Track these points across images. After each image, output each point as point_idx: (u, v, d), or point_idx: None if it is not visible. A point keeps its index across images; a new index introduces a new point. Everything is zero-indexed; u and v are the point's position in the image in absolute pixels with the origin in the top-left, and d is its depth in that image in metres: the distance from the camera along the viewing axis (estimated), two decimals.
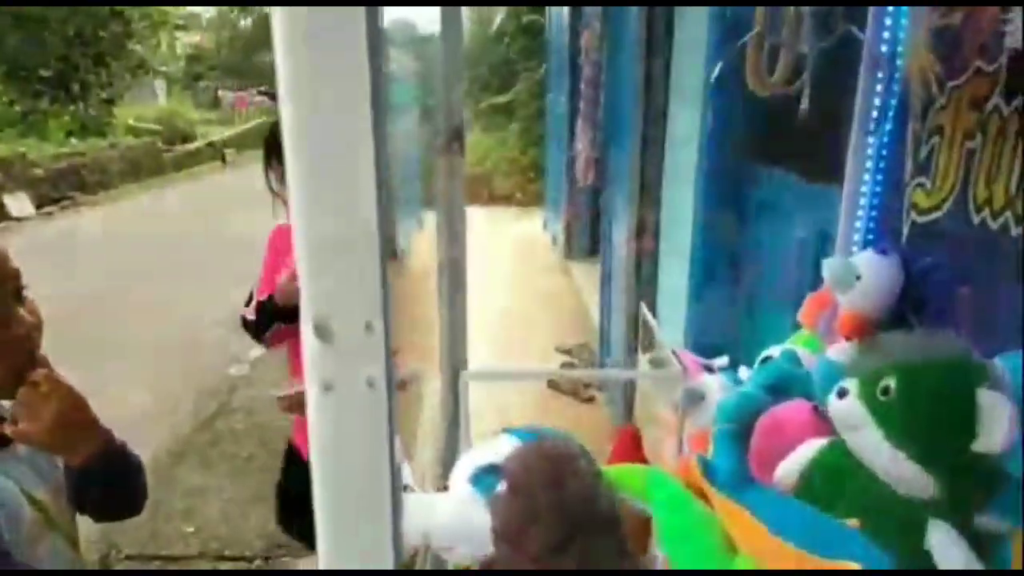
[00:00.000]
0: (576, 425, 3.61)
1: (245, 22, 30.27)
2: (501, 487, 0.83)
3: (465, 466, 0.89)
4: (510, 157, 10.44)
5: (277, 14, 0.28)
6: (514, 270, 6.79)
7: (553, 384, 4.19)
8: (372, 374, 0.33)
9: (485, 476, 0.87)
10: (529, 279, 6.51)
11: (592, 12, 4.12)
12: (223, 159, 15.85)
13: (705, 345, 2.34)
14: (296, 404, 1.54)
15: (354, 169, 0.30)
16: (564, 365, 4.54)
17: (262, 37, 29.87)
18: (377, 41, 0.29)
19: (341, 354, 0.32)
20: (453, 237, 1.45)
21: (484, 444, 0.92)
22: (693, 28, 2.40)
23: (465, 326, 1.44)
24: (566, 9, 5.86)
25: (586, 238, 6.45)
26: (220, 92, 28.15)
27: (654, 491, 0.90)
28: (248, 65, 29.68)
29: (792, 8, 1.14)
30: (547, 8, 7.42)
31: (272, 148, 1.75)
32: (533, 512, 0.80)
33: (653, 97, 2.77)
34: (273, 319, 1.69)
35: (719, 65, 1.20)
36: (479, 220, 8.18)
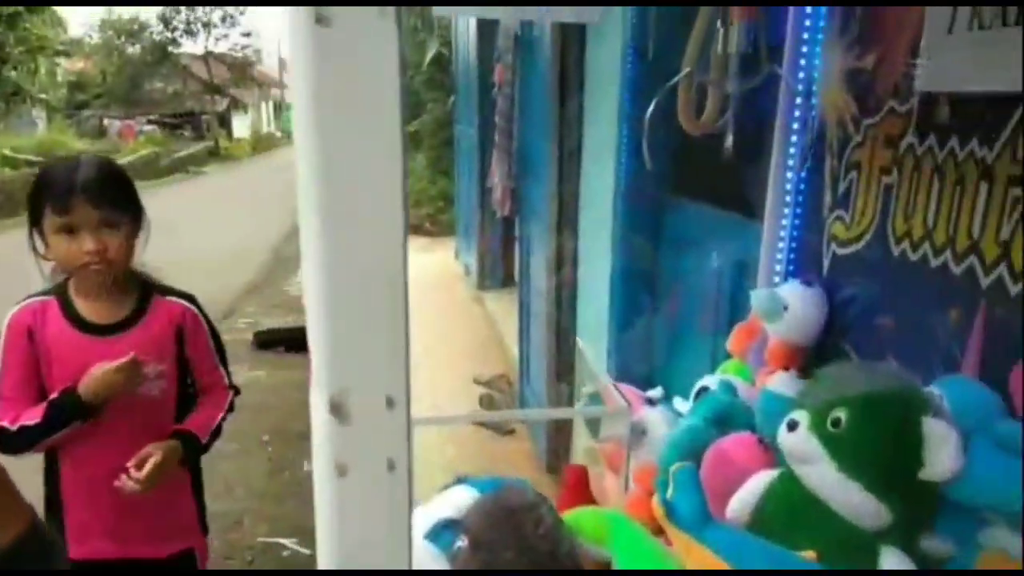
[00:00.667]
0: (499, 459, 3.57)
1: (133, 48, 29.04)
2: (461, 542, 0.79)
3: (420, 521, 0.84)
4: (419, 187, 10.40)
5: (294, 35, 0.25)
6: (427, 301, 6.71)
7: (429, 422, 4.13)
8: (392, 455, 0.29)
9: (443, 531, 0.83)
10: (443, 310, 6.45)
11: (504, 46, 4.18)
12: None
13: (628, 375, 2.37)
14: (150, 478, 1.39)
15: (381, 222, 0.27)
16: (483, 396, 4.50)
17: (151, 64, 28.72)
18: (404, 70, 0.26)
19: (359, 434, 0.29)
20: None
21: (438, 497, 0.88)
22: (607, 62, 2.46)
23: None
24: (474, 42, 5.93)
25: (500, 268, 6.46)
26: (105, 121, 26.78)
27: (615, 535, 0.88)
28: (137, 93, 28.42)
29: (721, 48, 1.18)
30: (454, 41, 7.48)
31: (38, 200, 1.42)
32: (496, 566, 0.76)
33: (568, 129, 2.82)
34: (72, 418, 1.41)
35: (654, 102, 1.22)
36: None
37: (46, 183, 1.43)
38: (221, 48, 30.39)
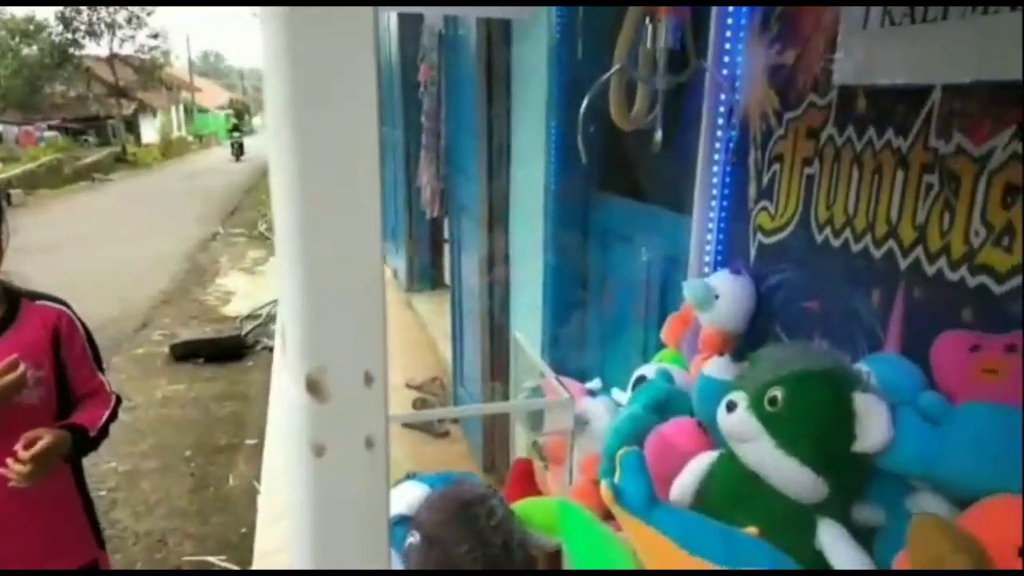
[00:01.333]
0: (434, 462, 3.54)
1: (30, 50, 27.42)
2: (412, 538, 0.78)
3: None
4: None
5: (270, 28, 0.24)
6: None
7: (406, 422, 4.09)
8: (371, 432, 0.28)
9: (394, 528, 0.81)
10: None
11: (429, 45, 4.16)
12: (8, 200, 14.10)
13: (564, 369, 2.39)
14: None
15: (356, 196, 0.26)
16: (416, 401, 4.46)
17: (50, 67, 27.17)
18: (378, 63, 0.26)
19: (337, 412, 0.28)
20: None
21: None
22: (534, 60, 2.48)
23: None
24: (396, 42, 5.87)
25: (430, 270, 6.41)
26: (2, 127, 25.19)
27: (565, 523, 0.88)
28: (36, 97, 26.86)
29: (650, 44, 1.21)
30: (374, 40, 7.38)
31: None
32: (450, 560, 0.75)
33: (496, 127, 2.82)
34: None
35: (587, 98, 1.23)
36: None
37: None
38: (127, 50, 29.04)
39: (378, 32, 0.26)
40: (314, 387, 0.27)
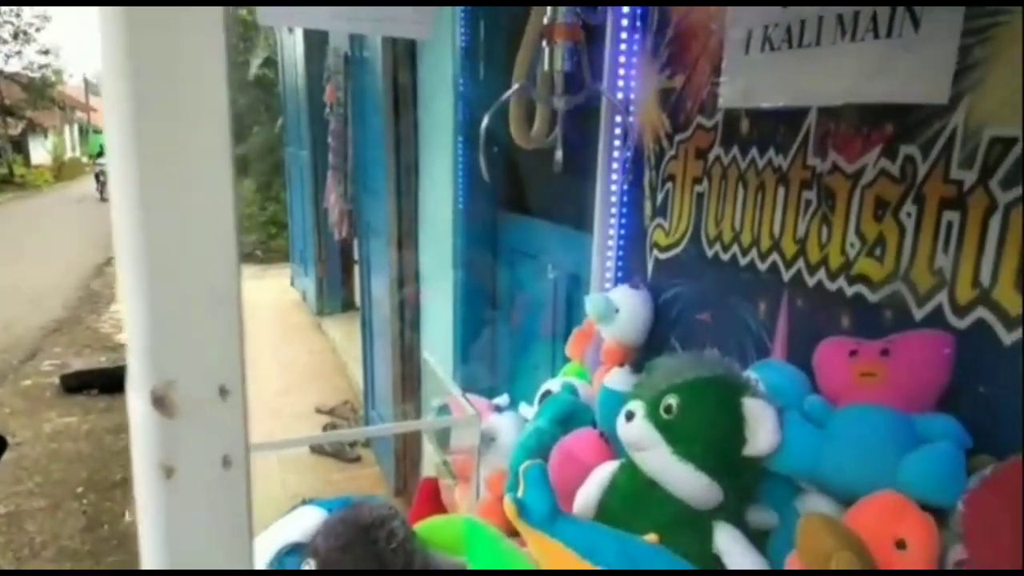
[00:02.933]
0: (346, 488, 3.45)
1: None
2: (307, 565, 0.75)
3: (262, 551, 0.79)
4: (248, 213, 9.91)
5: (109, 31, 0.23)
6: (263, 330, 6.38)
7: (316, 448, 3.97)
8: (228, 451, 0.27)
9: (287, 557, 0.78)
10: (280, 338, 6.16)
11: (334, 66, 4.11)
12: None
13: (475, 387, 2.39)
14: None
15: (205, 193, 0.25)
16: (326, 426, 4.34)
17: None
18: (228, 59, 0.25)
19: (187, 428, 0.26)
20: None
21: (282, 521, 0.83)
22: (439, 80, 2.49)
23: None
24: (301, 63, 5.77)
25: (339, 293, 6.29)
26: None
27: (469, 541, 0.87)
28: None
29: (547, 66, 1.23)
30: (280, 62, 7.24)
31: None
32: None
33: (404, 147, 2.81)
34: None
35: (487, 117, 1.24)
36: None
37: None
38: (14, 66, 27.23)
39: (230, 34, 0.25)
40: (160, 402, 0.26)
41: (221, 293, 0.26)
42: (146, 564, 0.28)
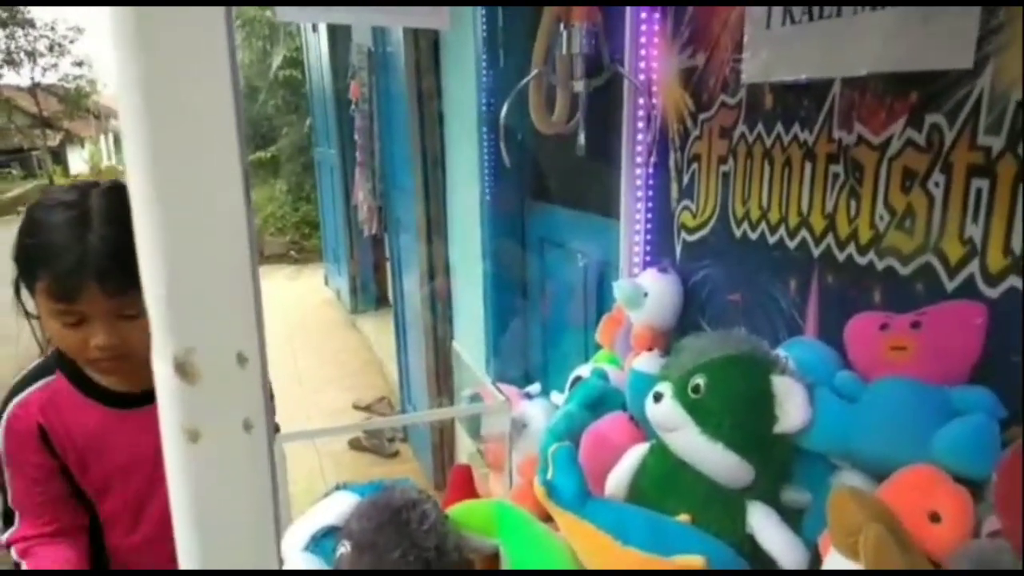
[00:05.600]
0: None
1: None
2: (343, 548, 0.77)
3: (299, 534, 0.81)
4: (280, 214, 10.06)
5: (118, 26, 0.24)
6: (299, 330, 6.49)
7: (355, 443, 4.03)
8: (248, 415, 0.28)
9: (323, 540, 0.80)
10: (316, 338, 6.25)
11: (358, 62, 4.15)
12: None
13: (508, 377, 2.40)
14: None
15: (218, 164, 0.26)
16: (367, 421, 4.40)
17: None
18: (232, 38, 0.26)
19: (209, 394, 0.27)
20: None
21: (318, 506, 0.85)
22: (463, 72, 2.50)
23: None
24: (326, 61, 5.84)
25: (372, 289, 6.36)
26: None
27: (501, 524, 0.88)
28: None
29: (565, 50, 1.23)
30: (306, 62, 7.33)
31: (29, 266, 1.11)
32: (383, 567, 0.74)
33: (430, 141, 2.83)
34: None
35: (506, 104, 1.25)
36: None
37: (38, 251, 1.07)
38: (50, 79, 27.96)
39: (232, 31, 0.26)
40: (182, 369, 0.27)
41: (237, 264, 0.27)
42: (177, 527, 0.29)
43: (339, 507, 0.82)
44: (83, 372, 1.20)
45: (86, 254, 1.04)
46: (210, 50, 0.25)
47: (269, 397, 0.31)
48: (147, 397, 1.23)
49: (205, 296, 0.27)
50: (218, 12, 0.25)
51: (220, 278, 0.27)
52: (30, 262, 1.09)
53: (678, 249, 1.43)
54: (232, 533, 0.29)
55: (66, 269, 1.04)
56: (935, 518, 0.72)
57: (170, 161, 0.25)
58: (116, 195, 1.13)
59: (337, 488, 0.87)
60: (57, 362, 1.20)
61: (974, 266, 0.82)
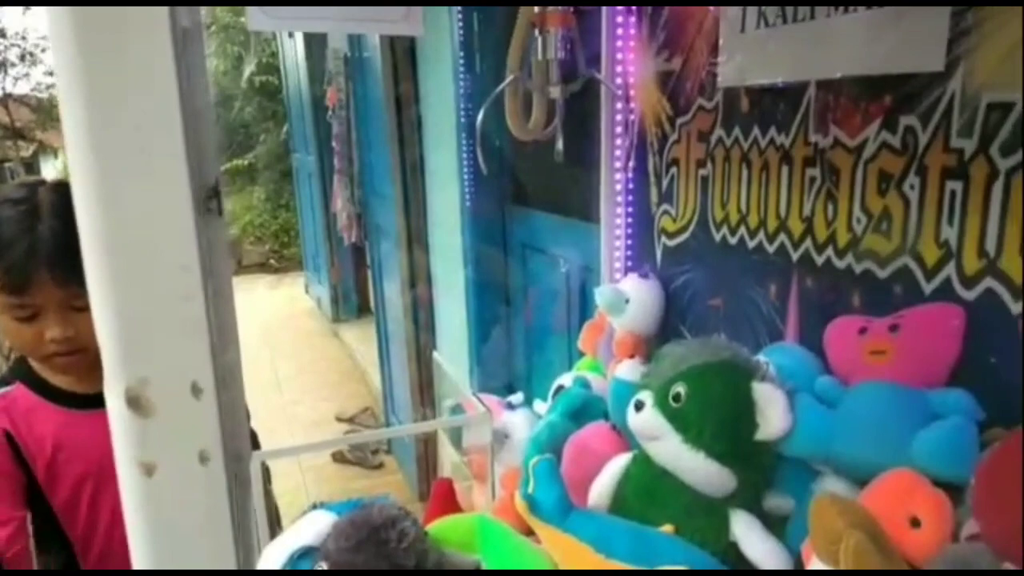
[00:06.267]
0: (371, 494, 3.46)
1: None
2: (320, 567, 0.75)
3: (275, 554, 0.79)
4: (259, 223, 9.97)
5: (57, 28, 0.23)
6: (280, 340, 6.42)
7: (338, 456, 3.99)
8: (204, 447, 0.27)
9: (300, 561, 0.78)
10: (298, 346, 6.20)
11: (335, 68, 4.12)
12: None
13: (491, 386, 2.39)
14: None
15: (164, 193, 0.24)
16: (349, 434, 4.35)
17: None
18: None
19: (164, 427, 0.26)
20: (220, 306, 1.32)
21: (294, 526, 0.83)
22: (440, 78, 2.49)
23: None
24: (303, 68, 5.80)
25: (354, 298, 6.31)
26: None
27: (482, 539, 0.87)
28: None
29: (540, 55, 1.23)
30: (282, 67, 7.28)
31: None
32: None
33: (409, 148, 2.81)
34: None
35: (482, 111, 1.24)
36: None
37: None
38: (22, 89, 27.54)
39: (176, 33, 0.25)
40: (136, 402, 0.25)
41: (186, 293, 0.26)
42: (135, 558, 0.28)
43: (316, 526, 0.80)
44: (40, 376, 1.21)
45: (36, 245, 1.06)
46: (152, 58, 0.24)
47: (245, 416, 0.30)
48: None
49: (155, 326, 0.25)
50: (161, 12, 0.24)
51: (171, 307, 0.26)
52: None
53: (659, 254, 1.43)
54: (190, 566, 0.28)
55: (17, 260, 1.07)
56: (915, 522, 0.71)
57: (115, 181, 0.24)
58: (64, 191, 1.13)
59: (314, 507, 0.86)
60: (14, 372, 1.21)
61: (951, 268, 0.82)
